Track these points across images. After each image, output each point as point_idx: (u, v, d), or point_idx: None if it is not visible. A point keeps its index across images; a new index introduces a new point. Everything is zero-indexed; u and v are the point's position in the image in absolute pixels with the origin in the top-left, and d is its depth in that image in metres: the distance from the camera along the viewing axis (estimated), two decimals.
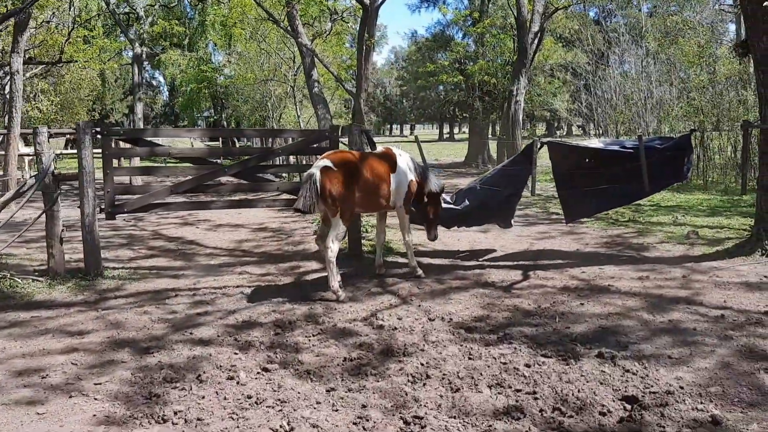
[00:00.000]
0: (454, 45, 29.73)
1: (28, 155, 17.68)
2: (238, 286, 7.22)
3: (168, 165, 13.79)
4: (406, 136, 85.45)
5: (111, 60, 28.79)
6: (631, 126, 22.21)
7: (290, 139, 11.67)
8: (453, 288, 7.06)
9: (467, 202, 8.31)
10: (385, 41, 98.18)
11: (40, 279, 7.17)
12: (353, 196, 6.79)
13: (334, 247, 6.64)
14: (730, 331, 5.38)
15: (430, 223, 7.79)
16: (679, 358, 4.81)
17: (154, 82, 67.88)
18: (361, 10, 16.80)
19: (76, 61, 25.65)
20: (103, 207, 7.52)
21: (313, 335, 5.56)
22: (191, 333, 5.62)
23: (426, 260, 8.46)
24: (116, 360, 5.01)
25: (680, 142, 7.96)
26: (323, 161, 6.75)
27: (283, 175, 10.02)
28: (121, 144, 10.22)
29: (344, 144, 8.58)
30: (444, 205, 8.18)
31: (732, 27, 29.24)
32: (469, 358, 4.96)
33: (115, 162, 8.84)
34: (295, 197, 8.27)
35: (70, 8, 26.73)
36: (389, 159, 7.40)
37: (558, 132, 65.27)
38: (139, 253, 9.17)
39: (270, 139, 18.24)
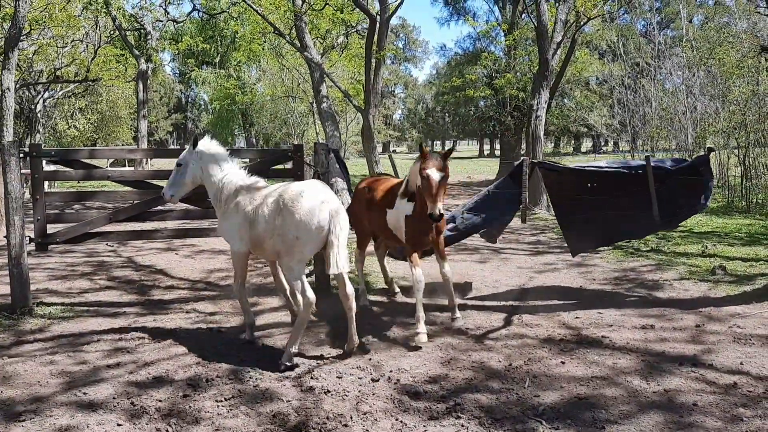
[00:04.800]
0: (483, 58, 28.65)
1: None
2: (174, 330, 6.33)
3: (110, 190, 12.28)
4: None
5: (133, 80, 28.74)
6: (671, 143, 20.76)
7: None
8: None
9: (447, 233, 7.22)
10: (426, 57, 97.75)
11: None
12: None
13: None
14: (740, 408, 4.20)
15: None
16: None
17: (201, 102, 68.86)
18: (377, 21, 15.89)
19: (100, 80, 25.58)
20: (32, 237, 6.76)
21: (227, 399, 4.61)
22: (85, 393, 4.73)
23: (401, 298, 7.44)
24: None
25: (696, 164, 6.73)
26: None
27: None
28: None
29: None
30: None
31: None
32: None
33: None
34: None
35: (96, 27, 26.79)
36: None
37: (604, 148, 63.11)
38: (94, 285, 8.39)
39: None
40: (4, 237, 6.75)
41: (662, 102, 21.42)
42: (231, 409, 4.45)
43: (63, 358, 5.51)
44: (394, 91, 73.90)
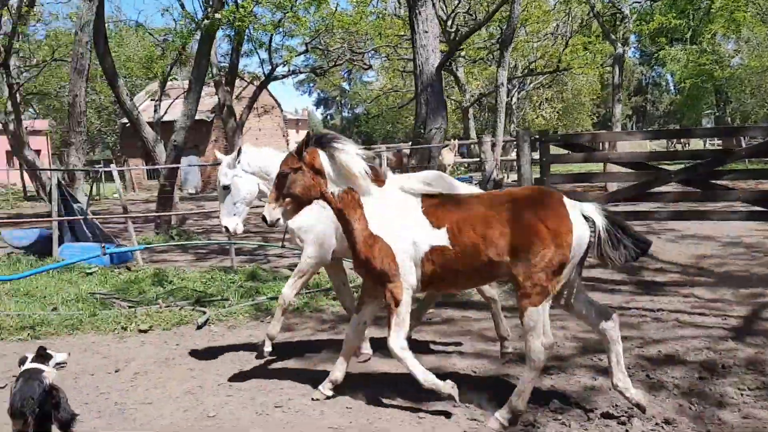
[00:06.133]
0: None
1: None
2: (674, 312, 6.26)
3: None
4: None
5: (604, 65, 29.18)
6: None
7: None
8: None
9: None
10: None
11: None
12: None
13: None
14: None
15: None
16: None
17: (664, 82, 66.09)
18: None
19: (570, 69, 26.78)
20: None
21: (751, 389, 4.38)
22: (600, 359, 5.08)
23: None
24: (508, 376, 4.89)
25: None
26: None
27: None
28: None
29: None
30: None
31: None
32: None
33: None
34: (761, 209, 6.80)
35: (568, 18, 28.04)
36: None
37: None
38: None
39: None
40: None
41: None
42: (758, 400, 4.21)
43: (573, 325, 5.99)
44: None
